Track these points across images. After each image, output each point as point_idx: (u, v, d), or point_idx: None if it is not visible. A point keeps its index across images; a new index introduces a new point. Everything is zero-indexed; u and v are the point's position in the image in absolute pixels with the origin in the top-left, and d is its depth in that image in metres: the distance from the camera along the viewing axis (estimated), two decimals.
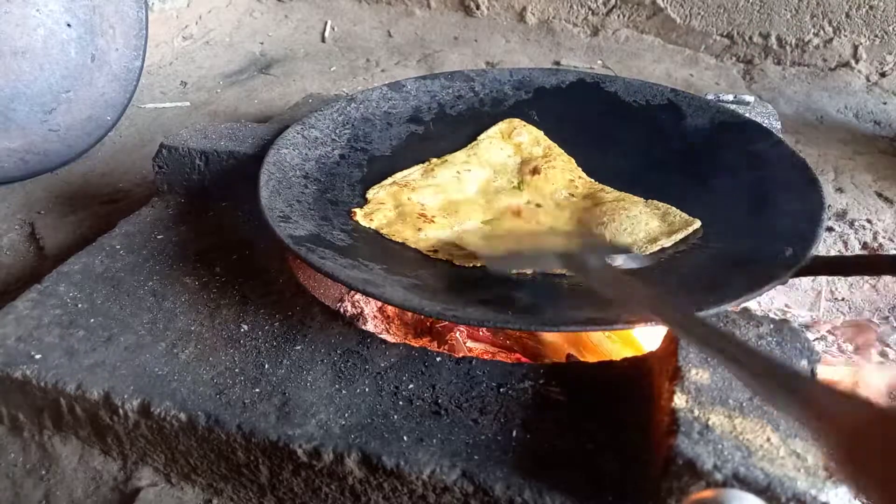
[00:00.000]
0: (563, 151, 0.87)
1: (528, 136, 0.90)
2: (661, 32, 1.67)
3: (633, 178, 0.81)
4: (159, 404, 0.56)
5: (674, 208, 0.74)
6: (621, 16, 1.69)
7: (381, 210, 0.76)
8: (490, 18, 1.80)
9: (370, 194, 0.79)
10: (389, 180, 0.82)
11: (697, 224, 0.72)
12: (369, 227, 0.74)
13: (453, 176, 0.82)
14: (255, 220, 0.69)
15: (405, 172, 0.83)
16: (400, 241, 0.72)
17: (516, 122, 0.92)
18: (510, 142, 0.89)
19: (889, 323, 0.84)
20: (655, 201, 0.76)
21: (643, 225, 0.72)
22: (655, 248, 0.69)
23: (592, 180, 0.83)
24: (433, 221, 0.75)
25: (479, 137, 0.90)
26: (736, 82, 1.53)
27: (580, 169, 0.84)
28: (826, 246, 0.97)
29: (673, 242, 0.70)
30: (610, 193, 0.79)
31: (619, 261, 0.65)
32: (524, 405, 0.55)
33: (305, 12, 1.89)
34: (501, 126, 0.92)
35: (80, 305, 0.67)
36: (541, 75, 0.96)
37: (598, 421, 0.53)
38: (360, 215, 0.75)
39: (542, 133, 0.90)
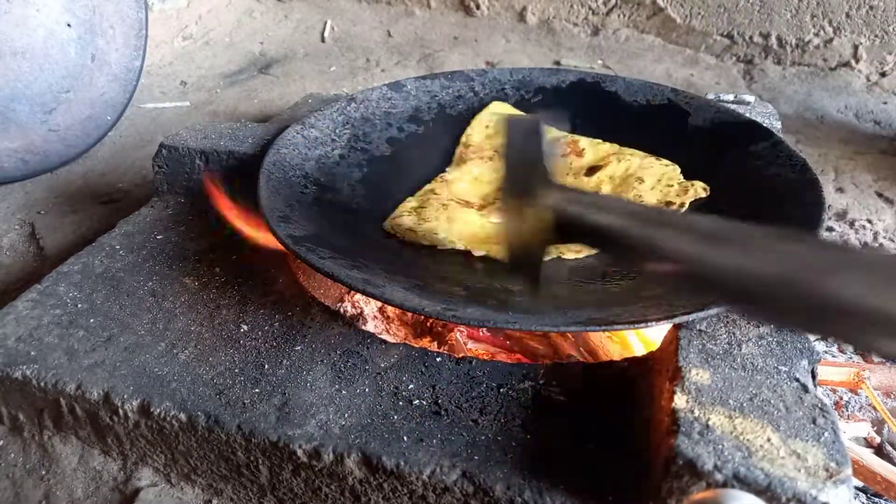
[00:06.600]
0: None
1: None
2: (661, 32, 1.67)
3: None
4: (159, 404, 0.56)
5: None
6: (621, 15, 1.69)
7: (408, 213, 0.76)
8: (490, 18, 1.80)
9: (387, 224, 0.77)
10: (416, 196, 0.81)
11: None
12: (396, 230, 0.74)
13: (485, 164, 0.83)
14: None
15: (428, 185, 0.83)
16: (433, 233, 0.72)
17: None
18: None
19: None
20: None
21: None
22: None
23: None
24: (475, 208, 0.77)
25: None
26: (736, 82, 1.53)
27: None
28: None
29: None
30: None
31: None
32: (524, 405, 0.55)
33: (305, 12, 1.89)
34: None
35: (79, 305, 0.67)
36: (541, 75, 0.96)
37: (598, 421, 0.53)
38: (388, 224, 0.75)
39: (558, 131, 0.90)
